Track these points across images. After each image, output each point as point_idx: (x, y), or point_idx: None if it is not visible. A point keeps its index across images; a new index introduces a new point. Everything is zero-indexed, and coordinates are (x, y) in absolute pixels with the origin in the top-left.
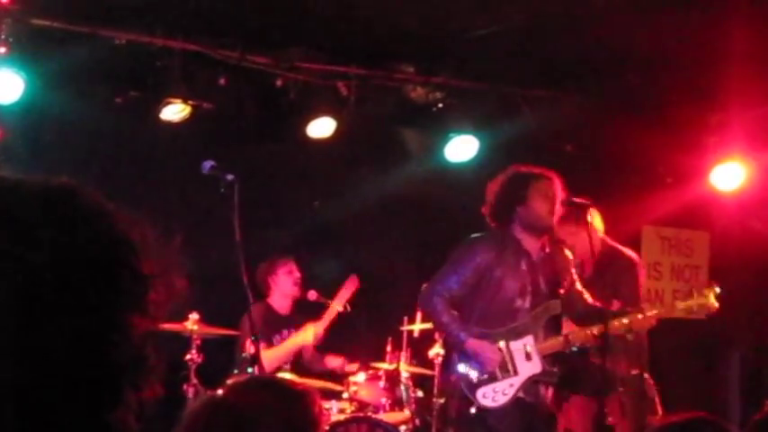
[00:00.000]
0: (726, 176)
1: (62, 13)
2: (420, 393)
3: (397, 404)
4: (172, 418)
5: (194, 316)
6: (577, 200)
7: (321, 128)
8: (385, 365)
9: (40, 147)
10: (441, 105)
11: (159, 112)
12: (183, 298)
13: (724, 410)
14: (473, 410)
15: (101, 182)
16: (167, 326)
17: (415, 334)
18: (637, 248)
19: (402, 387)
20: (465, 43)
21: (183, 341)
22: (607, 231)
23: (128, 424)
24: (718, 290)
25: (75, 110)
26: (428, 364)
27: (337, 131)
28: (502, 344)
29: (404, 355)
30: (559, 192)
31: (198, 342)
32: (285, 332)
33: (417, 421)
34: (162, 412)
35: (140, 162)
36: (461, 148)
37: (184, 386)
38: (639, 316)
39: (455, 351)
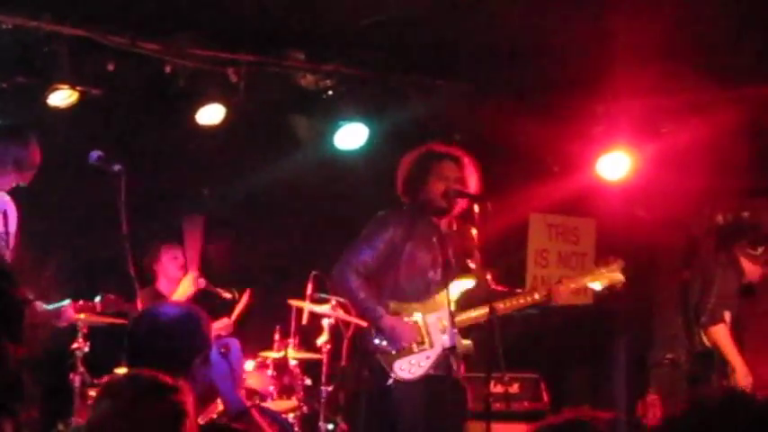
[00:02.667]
0: (611, 165)
1: None
2: (308, 381)
3: (285, 392)
4: (59, 406)
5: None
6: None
7: (210, 115)
8: (273, 353)
9: None
10: (330, 93)
11: (46, 98)
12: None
13: (611, 397)
14: (390, 382)
15: None
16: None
17: (304, 321)
18: (524, 236)
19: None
20: (355, 31)
21: (70, 330)
22: (495, 219)
23: None
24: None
25: None
26: (316, 352)
27: (227, 118)
28: (418, 316)
29: (292, 342)
30: (467, 172)
31: (84, 330)
32: None
33: (305, 409)
34: (49, 401)
35: None
36: (351, 136)
37: (71, 375)
38: (536, 296)
39: (371, 326)
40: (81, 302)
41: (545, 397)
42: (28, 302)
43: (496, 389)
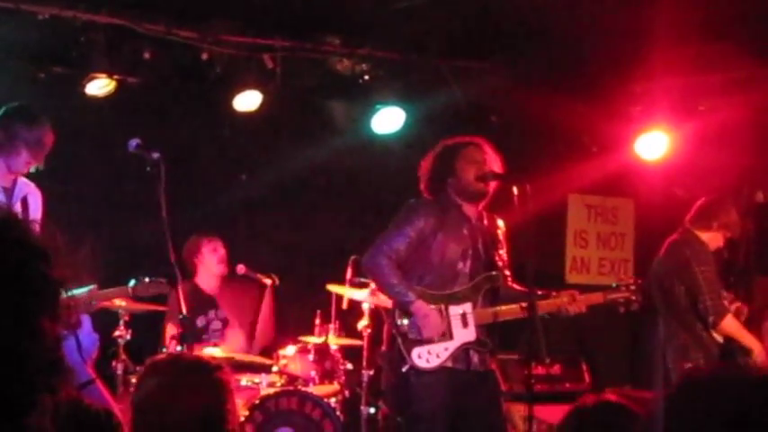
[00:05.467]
0: (650, 145)
1: None
2: (349, 366)
3: (326, 377)
4: None
5: None
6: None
7: (247, 101)
8: (314, 338)
9: None
10: (367, 77)
11: (84, 87)
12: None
13: (650, 379)
14: (404, 369)
15: None
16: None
17: (344, 306)
18: (563, 217)
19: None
20: (390, 15)
21: (112, 317)
22: (533, 200)
23: (43, 426)
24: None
25: None
26: (357, 336)
27: (264, 104)
28: (441, 307)
29: (332, 327)
30: (491, 156)
31: (126, 318)
32: (212, 313)
33: (347, 393)
34: None
35: (65, 138)
36: (388, 120)
37: (113, 363)
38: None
39: (399, 309)
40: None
41: (587, 378)
42: (64, 282)
43: (538, 370)
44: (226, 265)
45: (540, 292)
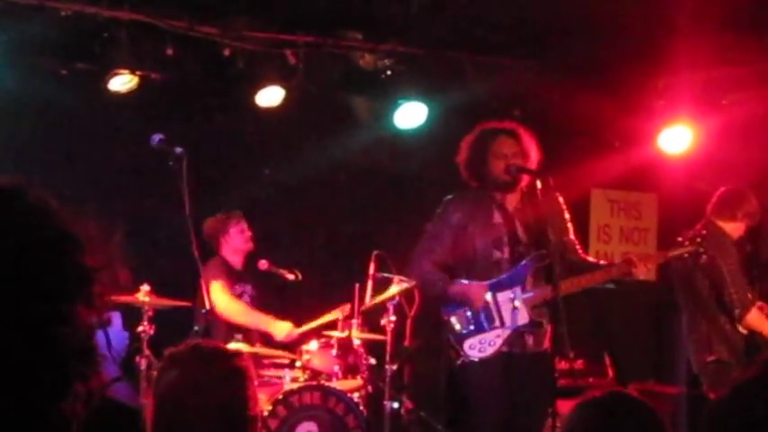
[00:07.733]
0: (673, 139)
1: None
2: (372, 361)
3: (349, 371)
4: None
5: (145, 287)
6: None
7: (270, 97)
8: (337, 333)
9: None
10: (389, 72)
11: (107, 83)
12: (128, 288)
13: (672, 371)
14: (459, 362)
15: (48, 155)
16: (119, 298)
17: (367, 301)
18: (586, 212)
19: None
20: (412, 10)
21: (135, 313)
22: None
23: (76, 413)
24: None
25: (21, 83)
26: (380, 331)
27: (286, 100)
28: (488, 296)
29: (355, 322)
30: (523, 146)
31: (150, 313)
32: (242, 286)
33: (370, 388)
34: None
35: (88, 134)
36: (410, 115)
37: (137, 358)
38: (616, 270)
39: (442, 305)
40: None
41: (610, 372)
42: (98, 270)
43: (561, 365)
44: (252, 243)
45: (601, 262)
